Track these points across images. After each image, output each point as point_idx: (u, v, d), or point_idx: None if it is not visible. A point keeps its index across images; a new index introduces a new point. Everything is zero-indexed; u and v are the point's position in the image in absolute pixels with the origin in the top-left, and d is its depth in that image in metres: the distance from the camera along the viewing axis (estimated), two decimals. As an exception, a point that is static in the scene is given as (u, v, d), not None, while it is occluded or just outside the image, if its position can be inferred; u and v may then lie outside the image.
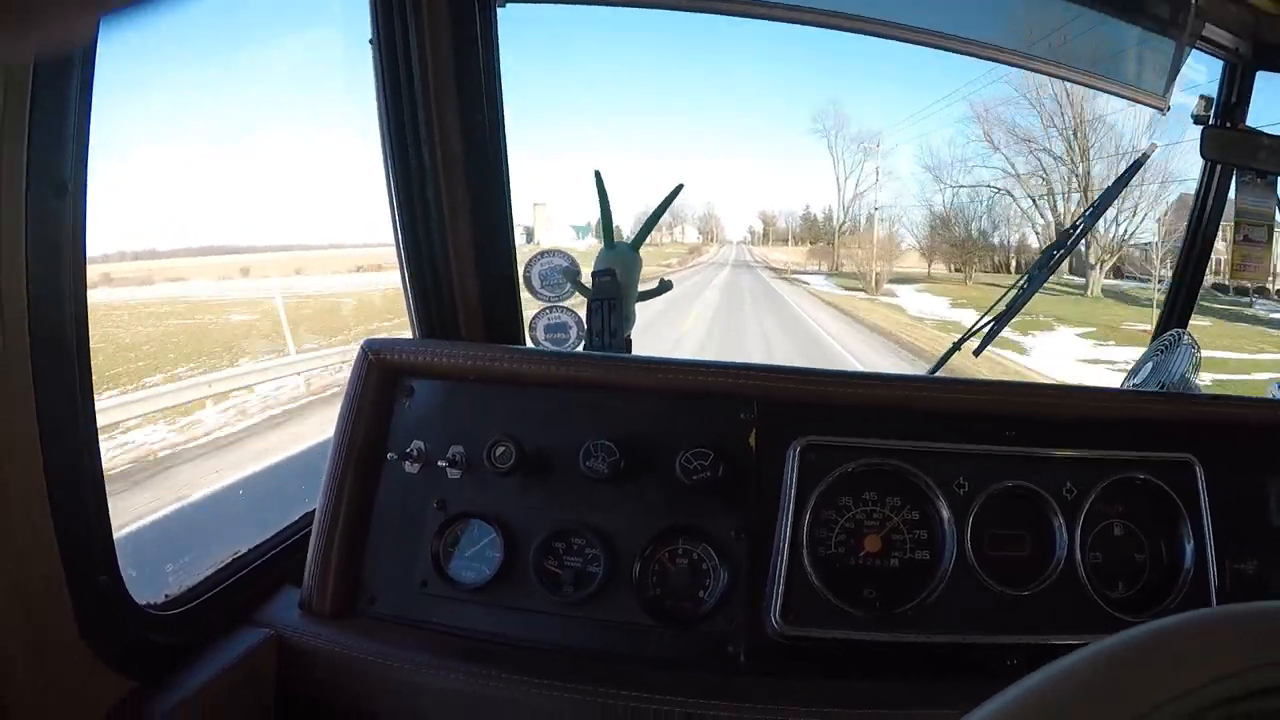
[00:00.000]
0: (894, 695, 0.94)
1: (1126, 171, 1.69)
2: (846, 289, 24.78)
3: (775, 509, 1.04)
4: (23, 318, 0.73)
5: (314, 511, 1.10)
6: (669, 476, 1.05)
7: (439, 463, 1.09)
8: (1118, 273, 20.71)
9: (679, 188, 1.53)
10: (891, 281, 25.07)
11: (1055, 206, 21.77)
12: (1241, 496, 1.10)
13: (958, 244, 25.05)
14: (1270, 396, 1.71)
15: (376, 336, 1.14)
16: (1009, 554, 1.04)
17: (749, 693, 0.93)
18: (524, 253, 1.51)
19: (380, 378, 1.13)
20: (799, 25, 1.50)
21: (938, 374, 1.45)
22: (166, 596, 1.00)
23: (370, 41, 1.34)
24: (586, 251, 1.53)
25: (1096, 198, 1.67)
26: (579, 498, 1.07)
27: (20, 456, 0.73)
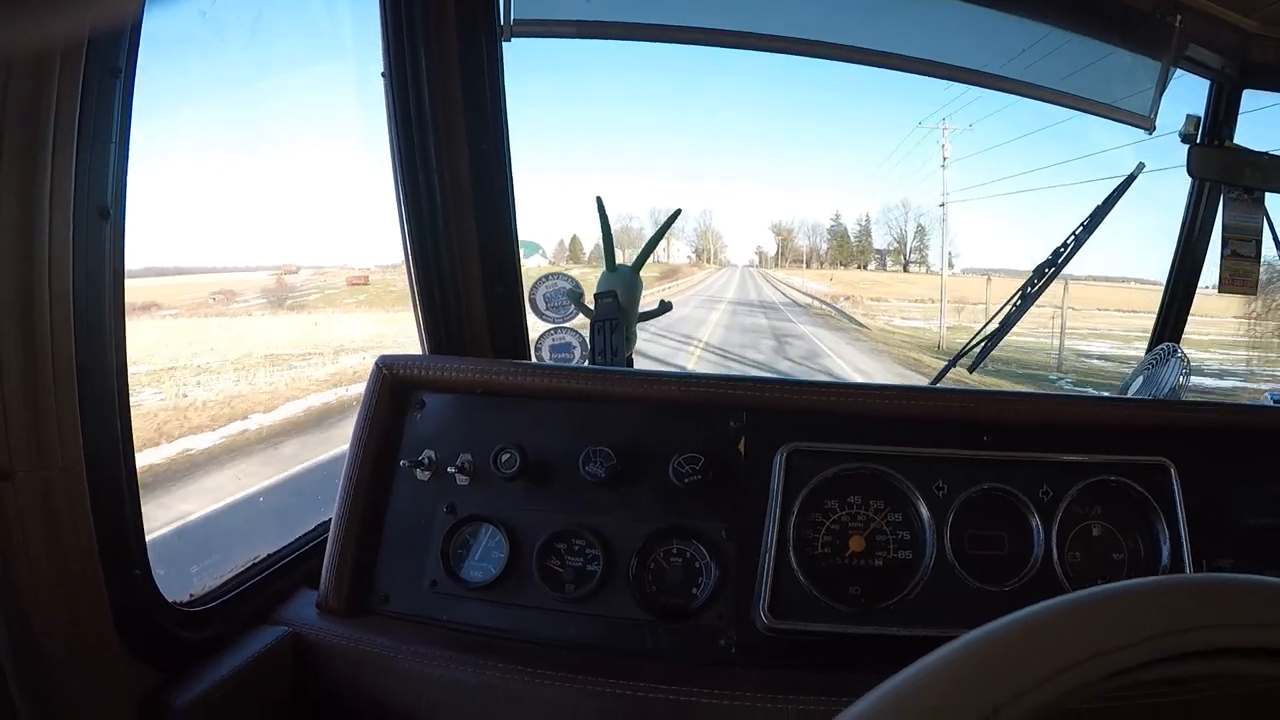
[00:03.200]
0: (877, 684, 0.98)
1: (1117, 188, 1.74)
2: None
3: (764, 511, 1.09)
4: (70, 331, 0.79)
5: (331, 519, 1.16)
6: (663, 480, 1.11)
7: (448, 469, 1.15)
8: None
9: (677, 212, 1.60)
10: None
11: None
12: (1216, 498, 1.14)
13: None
14: (1262, 403, 1.74)
15: (390, 353, 1.21)
16: (988, 552, 1.09)
17: (740, 682, 0.98)
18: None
19: (393, 391, 1.19)
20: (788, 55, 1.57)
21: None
22: (192, 595, 1.06)
23: (382, 75, 1.42)
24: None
25: (1088, 215, 1.72)
26: (579, 501, 1.13)
27: (66, 458, 0.79)
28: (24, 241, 0.74)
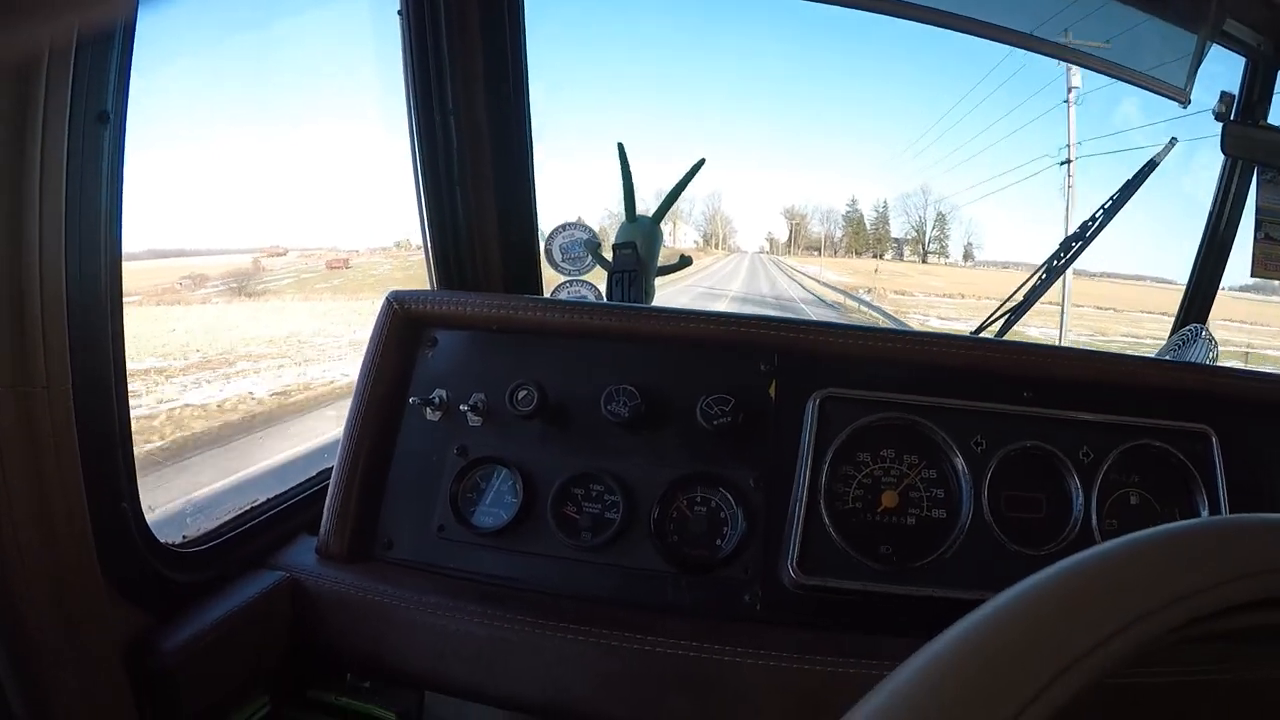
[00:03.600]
0: (909, 649, 0.93)
1: (1148, 164, 1.69)
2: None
3: (794, 460, 1.04)
4: (60, 242, 0.73)
5: (333, 467, 1.10)
6: (689, 423, 1.05)
7: (460, 408, 1.09)
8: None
9: (701, 162, 1.54)
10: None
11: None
12: (1257, 471, 1.09)
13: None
14: None
15: (402, 289, 1.16)
16: (1026, 515, 1.03)
17: (763, 640, 0.93)
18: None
19: (404, 328, 1.14)
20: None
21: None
22: (185, 537, 1.00)
23: (399, 13, 1.37)
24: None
25: (1117, 190, 1.67)
26: (599, 444, 1.07)
27: (51, 375, 0.74)
28: (14, 146, 0.69)
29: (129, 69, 0.81)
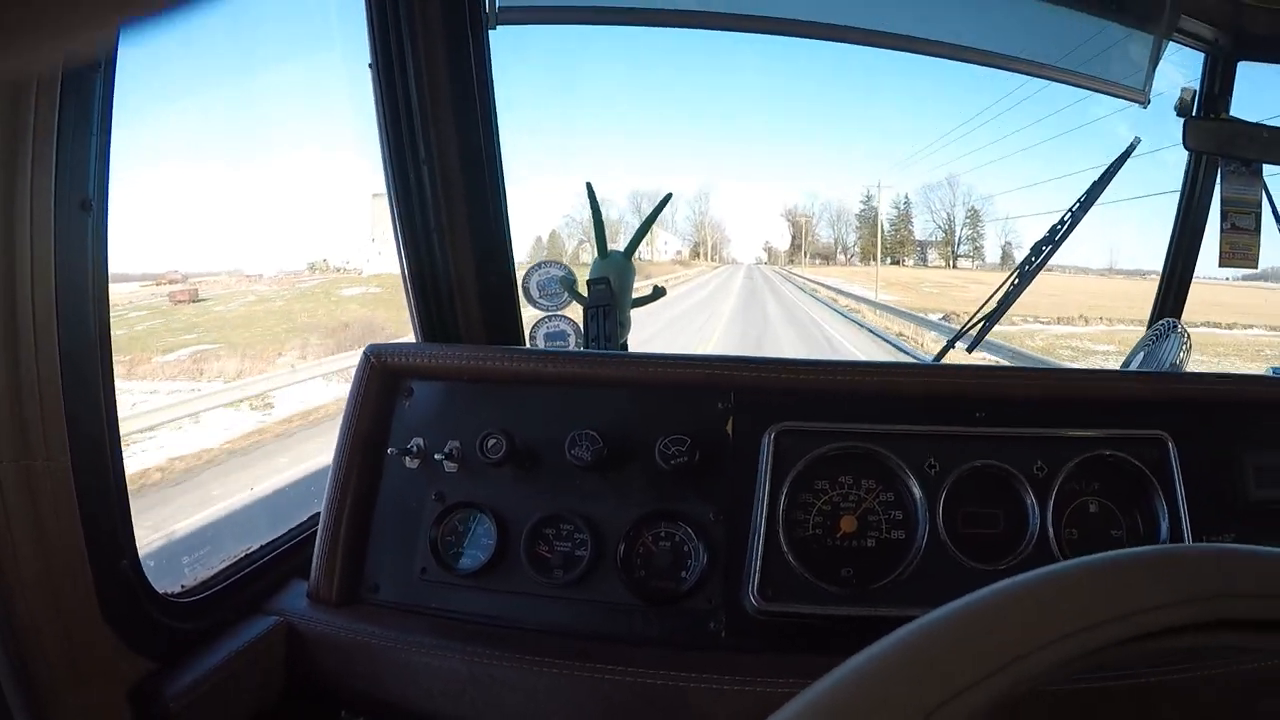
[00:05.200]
0: None
1: (1113, 164, 1.72)
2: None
3: (752, 492, 1.09)
4: (53, 322, 0.79)
5: (320, 511, 1.16)
6: (650, 463, 1.10)
7: (436, 457, 1.15)
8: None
9: (668, 197, 1.59)
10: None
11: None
12: (1217, 471, 1.13)
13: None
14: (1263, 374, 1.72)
15: (378, 343, 1.21)
16: (982, 531, 1.08)
17: (730, 666, 0.98)
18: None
19: (381, 380, 1.19)
20: (778, 36, 1.56)
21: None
22: (183, 586, 1.06)
23: (369, 65, 1.42)
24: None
25: (1084, 192, 1.70)
26: (566, 486, 1.13)
27: (50, 450, 0.80)
28: (5, 234, 0.74)
29: (108, 156, 0.87)
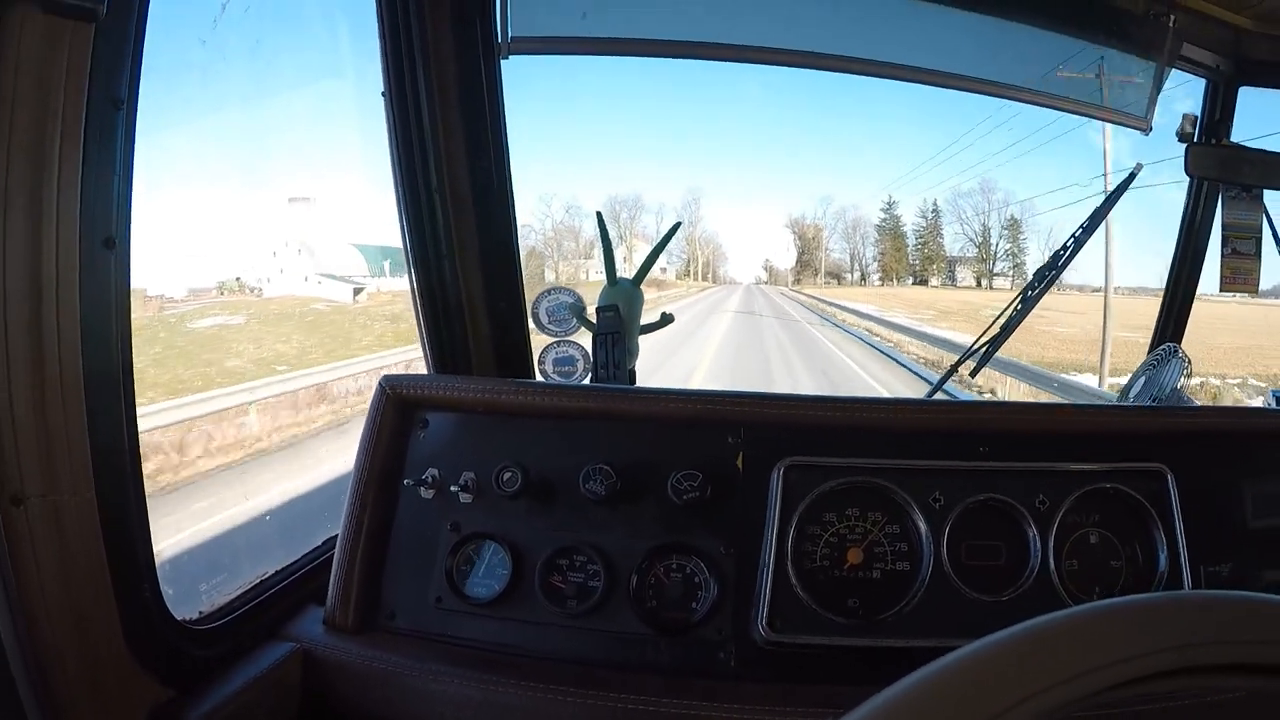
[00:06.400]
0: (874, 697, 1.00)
1: (1115, 190, 1.75)
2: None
3: (762, 526, 1.11)
4: (78, 360, 0.81)
5: (336, 536, 1.18)
6: (662, 497, 1.12)
7: (451, 488, 1.17)
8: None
9: (677, 225, 1.61)
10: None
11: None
12: (1215, 502, 1.15)
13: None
14: (1262, 406, 1.75)
15: (394, 373, 1.24)
16: (985, 563, 1.10)
17: (739, 695, 1.00)
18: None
19: (397, 411, 1.21)
20: (786, 67, 1.59)
21: (931, 395, 1.51)
22: (201, 613, 1.08)
23: (383, 94, 1.44)
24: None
25: (1086, 218, 1.73)
26: (580, 518, 1.15)
27: (76, 483, 0.82)
28: (32, 273, 0.77)
29: (130, 194, 0.89)
